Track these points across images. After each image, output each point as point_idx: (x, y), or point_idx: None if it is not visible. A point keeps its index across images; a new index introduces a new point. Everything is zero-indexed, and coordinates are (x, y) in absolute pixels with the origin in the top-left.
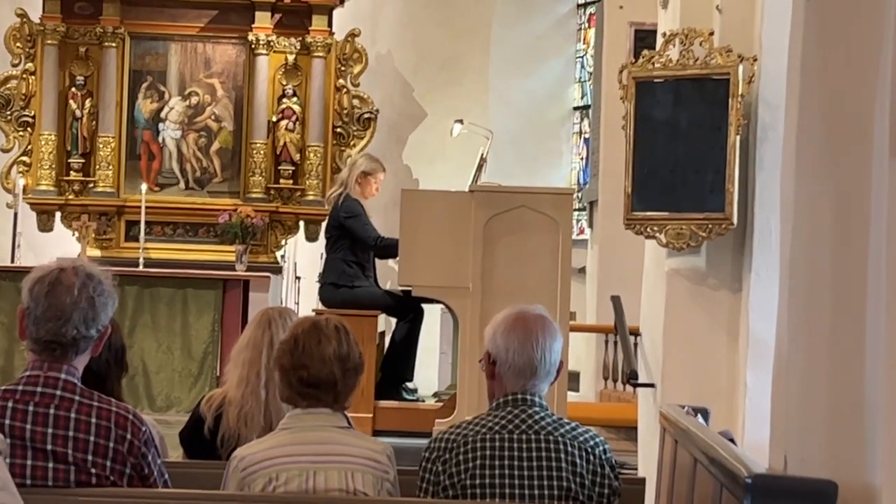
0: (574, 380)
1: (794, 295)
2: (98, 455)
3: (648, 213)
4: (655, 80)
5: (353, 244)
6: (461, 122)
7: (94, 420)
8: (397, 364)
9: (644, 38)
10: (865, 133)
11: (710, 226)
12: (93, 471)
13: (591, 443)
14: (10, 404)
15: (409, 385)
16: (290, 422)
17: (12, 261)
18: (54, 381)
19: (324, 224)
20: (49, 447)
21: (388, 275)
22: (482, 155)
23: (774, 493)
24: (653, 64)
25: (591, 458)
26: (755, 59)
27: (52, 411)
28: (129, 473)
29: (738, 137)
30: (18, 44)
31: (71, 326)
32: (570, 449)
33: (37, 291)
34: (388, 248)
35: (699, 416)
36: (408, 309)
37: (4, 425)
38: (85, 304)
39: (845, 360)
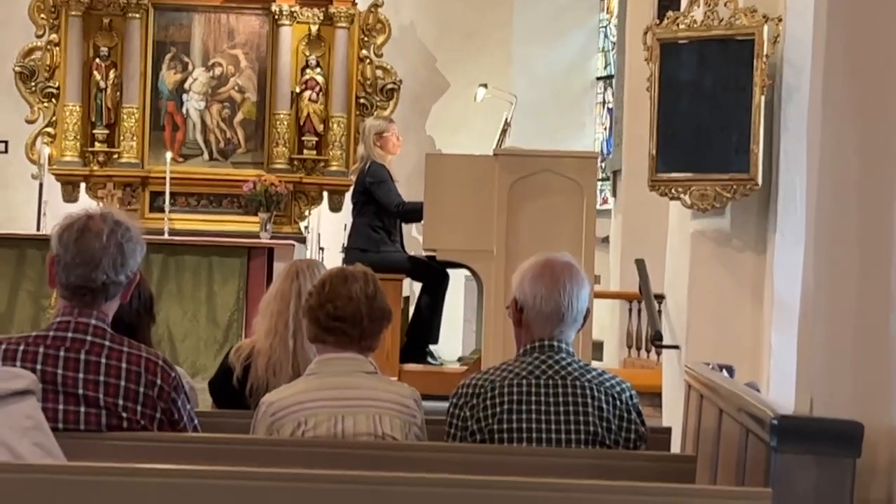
0: (598, 349)
1: (821, 241)
2: (129, 399)
3: (673, 175)
4: (680, 42)
5: (378, 210)
6: (485, 86)
7: (124, 365)
8: (423, 329)
9: (668, 7)
10: (890, 92)
11: (734, 186)
12: (124, 415)
13: (618, 388)
14: (41, 350)
15: (433, 350)
16: (318, 367)
17: (38, 231)
18: (84, 327)
19: (347, 194)
20: (80, 392)
21: (412, 245)
22: (506, 119)
23: (800, 434)
24: (677, 25)
25: (618, 403)
26: (780, 20)
27: (82, 356)
28: (159, 418)
29: (762, 98)
30: (42, 15)
31: (100, 272)
32: (596, 394)
33: (66, 238)
34: (412, 213)
35: (724, 372)
36: (432, 273)
37: (36, 370)
38: (114, 250)
39: (871, 303)
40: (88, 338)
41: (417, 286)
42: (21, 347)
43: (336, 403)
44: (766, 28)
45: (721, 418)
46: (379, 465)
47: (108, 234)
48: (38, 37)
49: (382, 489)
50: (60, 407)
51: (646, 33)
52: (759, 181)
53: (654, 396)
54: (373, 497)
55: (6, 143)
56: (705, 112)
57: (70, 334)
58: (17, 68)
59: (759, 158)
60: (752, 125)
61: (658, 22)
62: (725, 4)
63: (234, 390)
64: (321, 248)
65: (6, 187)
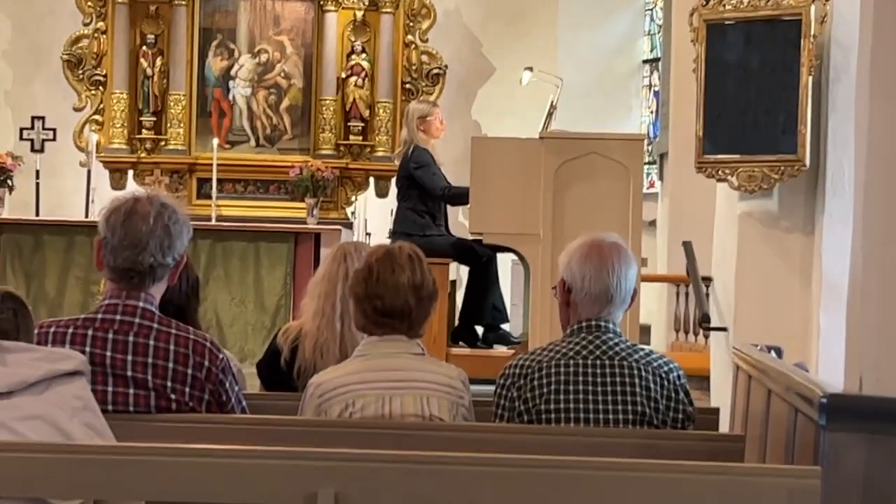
0: (645, 333)
1: (869, 222)
2: (177, 381)
3: (720, 156)
4: (726, 22)
5: (423, 194)
6: (531, 69)
7: (172, 347)
8: (473, 311)
9: None
10: None
11: (782, 168)
12: (172, 396)
13: (666, 368)
14: (90, 332)
15: (505, 328)
16: (366, 349)
17: (86, 218)
18: (133, 309)
19: (394, 180)
20: (129, 374)
21: (458, 230)
22: (552, 102)
23: (849, 412)
24: (724, 6)
25: (666, 383)
26: (827, 0)
27: (131, 338)
28: (207, 399)
29: (810, 78)
30: (89, 3)
31: (147, 254)
32: (644, 374)
33: (113, 221)
34: (458, 197)
35: (773, 353)
36: (479, 256)
37: (85, 353)
38: (161, 232)
39: None
40: (136, 320)
41: (465, 270)
42: (70, 330)
43: (383, 385)
44: (813, 8)
45: (769, 399)
46: (426, 445)
47: (155, 216)
48: (86, 25)
49: (430, 468)
50: (109, 389)
51: (692, 14)
52: (807, 162)
53: (702, 379)
54: (420, 476)
55: (54, 130)
56: (752, 93)
57: (118, 317)
58: (65, 56)
59: (807, 139)
60: (799, 106)
61: (704, 3)
62: None
63: (281, 372)
64: (368, 234)
65: (55, 175)
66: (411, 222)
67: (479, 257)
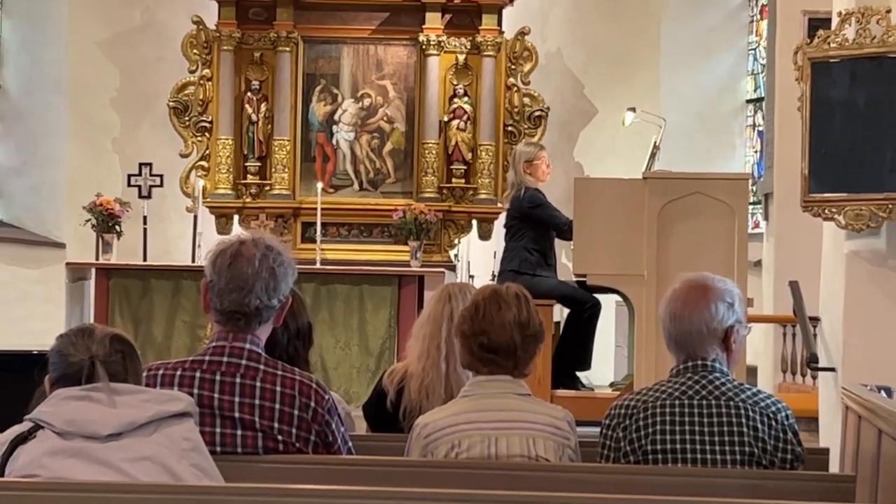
0: (752, 374)
1: None
2: (283, 422)
3: (826, 195)
4: (831, 60)
5: (536, 234)
6: (633, 110)
7: (278, 388)
8: (570, 355)
9: (818, 27)
10: None
11: (890, 206)
12: (279, 437)
13: (773, 408)
14: (197, 374)
15: (581, 378)
16: (472, 389)
17: (193, 262)
18: (239, 351)
19: (497, 222)
20: (236, 415)
21: (563, 271)
22: (655, 142)
23: None
24: (828, 44)
25: (773, 423)
26: None
27: (238, 380)
28: (313, 441)
29: None
30: (195, 50)
31: (254, 297)
32: (751, 414)
33: (219, 264)
34: None
35: (883, 393)
36: (584, 300)
37: (193, 394)
38: (266, 275)
39: None
40: (243, 362)
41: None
42: (178, 372)
43: (489, 425)
44: None
45: (880, 439)
46: (532, 486)
47: (260, 259)
48: (192, 72)
49: None
50: (217, 430)
51: (796, 53)
52: None
53: (810, 421)
54: None
55: (161, 176)
56: (858, 131)
57: (225, 359)
58: (172, 103)
59: None
60: None
61: (809, 41)
62: (878, 22)
63: (387, 414)
64: (471, 276)
65: (162, 220)
66: (521, 260)
67: (585, 303)
